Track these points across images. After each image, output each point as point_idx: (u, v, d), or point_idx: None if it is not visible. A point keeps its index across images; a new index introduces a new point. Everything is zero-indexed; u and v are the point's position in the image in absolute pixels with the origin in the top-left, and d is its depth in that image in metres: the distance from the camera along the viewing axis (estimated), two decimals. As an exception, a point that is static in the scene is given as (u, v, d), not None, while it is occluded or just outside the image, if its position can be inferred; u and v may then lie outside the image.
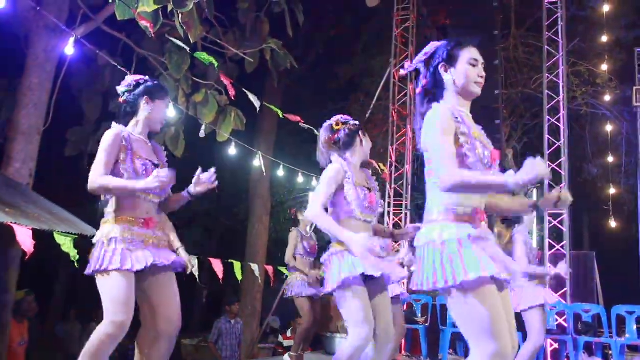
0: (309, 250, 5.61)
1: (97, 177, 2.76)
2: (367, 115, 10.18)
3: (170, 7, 5.53)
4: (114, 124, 2.95)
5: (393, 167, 9.26)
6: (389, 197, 9.09)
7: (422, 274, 2.19)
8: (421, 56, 2.43)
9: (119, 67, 6.01)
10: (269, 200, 11.66)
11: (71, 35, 5.30)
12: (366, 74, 12.11)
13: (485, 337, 2.07)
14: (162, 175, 2.67)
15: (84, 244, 4.64)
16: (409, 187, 9.14)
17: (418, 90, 2.42)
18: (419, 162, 12.40)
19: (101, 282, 2.75)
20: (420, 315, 7.24)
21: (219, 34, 7.94)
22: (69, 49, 5.16)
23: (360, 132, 3.29)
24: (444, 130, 2.21)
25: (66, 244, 5.15)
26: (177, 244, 3.59)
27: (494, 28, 8.75)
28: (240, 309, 9.53)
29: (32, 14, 6.46)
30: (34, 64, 6.48)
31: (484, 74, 2.37)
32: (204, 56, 5.83)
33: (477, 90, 2.36)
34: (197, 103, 7.52)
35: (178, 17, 5.69)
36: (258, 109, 6.45)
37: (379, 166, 9.11)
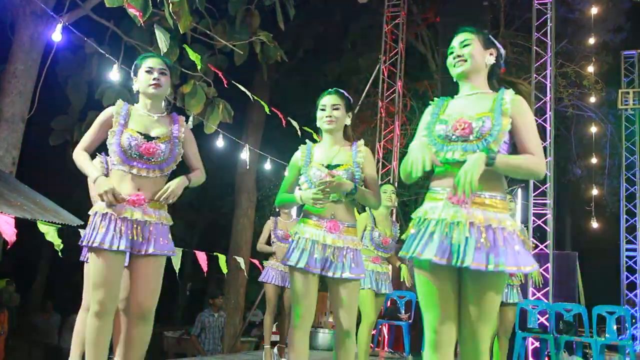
0: (281, 237, 5.65)
1: (77, 150, 2.86)
2: (354, 112, 10.16)
3: (160, -3, 5.48)
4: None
5: (380, 164, 9.27)
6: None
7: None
8: None
9: (107, 55, 5.93)
10: (254, 193, 11.62)
11: (58, 22, 5.21)
12: (354, 70, 12.10)
13: None
14: (103, 186, 2.69)
15: (69, 234, 4.59)
16: (396, 183, 9.14)
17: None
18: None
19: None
20: (404, 312, 7.26)
21: (209, 25, 7.88)
22: (57, 36, 5.08)
23: None
24: None
25: (50, 233, 5.07)
26: None
27: (483, 27, 8.72)
28: (223, 302, 9.50)
29: (20, 0, 6.37)
30: (20, 51, 6.40)
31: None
32: (190, 52, 5.79)
33: None
34: (185, 94, 7.47)
35: (168, 7, 5.64)
36: (252, 100, 6.45)
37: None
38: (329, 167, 3.01)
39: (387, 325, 7.75)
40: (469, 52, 2.37)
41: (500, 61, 2.45)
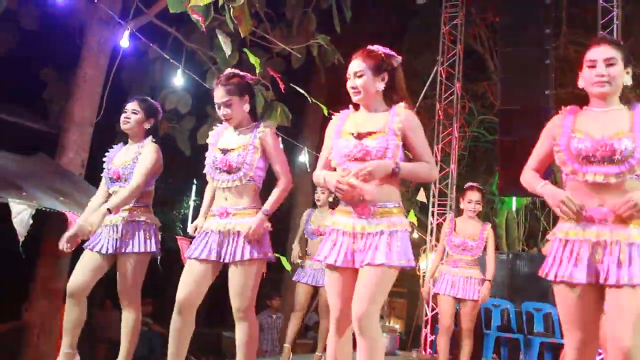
0: (311, 232, 5.34)
1: None
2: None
3: (221, 1, 5.56)
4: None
5: (438, 167, 9.14)
6: (433, 196, 8.98)
7: None
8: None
9: (170, 60, 6.08)
10: (311, 194, 11.65)
11: (125, 28, 5.38)
12: (411, 72, 11.98)
13: None
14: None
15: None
16: (454, 187, 9.00)
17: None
18: (464, 161, 12.26)
19: None
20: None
21: (267, 29, 7.97)
22: (124, 42, 5.24)
23: None
24: None
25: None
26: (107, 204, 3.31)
27: (545, 26, 8.52)
28: (281, 303, 9.56)
29: (87, 7, 6.60)
30: (88, 56, 6.62)
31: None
32: (251, 55, 5.87)
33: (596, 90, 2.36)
34: (244, 98, 7.55)
35: (229, 11, 5.72)
36: (310, 102, 6.48)
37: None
38: (359, 136, 2.57)
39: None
40: (615, 74, 2.30)
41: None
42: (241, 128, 3.07)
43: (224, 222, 2.96)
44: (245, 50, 6.53)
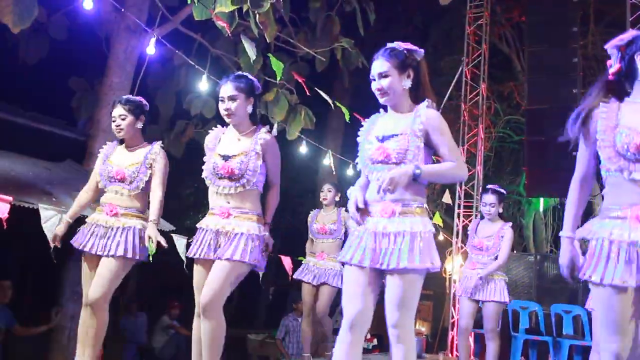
0: (316, 231, 5.21)
1: None
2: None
3: (246, 8, 5.61)
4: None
5: (464, 168, 9.06)
6: (459, 198, 8.91)
7: None
8: (616, 41, 2.30)
9: (195, 66, 6.16)
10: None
11: (151, 36, 5.45)
12: (436, 73, 11.92)
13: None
14: None
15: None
16: (480, 188, 8.92)
17: (610, 77, 2.31)
18: (490, 162, 12.14)
19: None
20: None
21: (291, 33, 8.01)
22: (151, 49, 5.31)
23: None
24: None
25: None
26: (151, 216, 3.34)
27: (572, 25, 8.41)
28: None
29: (114, 16, 6.71)
30: (115, 64, 6.74)
31: None
32: (273, 60, 5.91)
33: None
34: (269, 102, 7.62)
35: (254, 17, 5.77)
36: (333, 107, 6.48)
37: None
38: (383, 139, 2.49)
39: (472, 333, 7.56)
40: None
41: None
42: (241, 131, 3.08)
43: (223, 222, 2.97)
44: (269, 55, 6.58)
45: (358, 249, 2.47)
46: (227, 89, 3.04)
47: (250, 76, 3.15)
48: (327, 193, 5.20)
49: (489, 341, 4.89)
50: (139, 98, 3.56)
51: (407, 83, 2.53)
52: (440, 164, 2.48)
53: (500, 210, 5.02)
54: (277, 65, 5.86)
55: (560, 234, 2.30)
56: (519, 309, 7.08)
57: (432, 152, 2.52)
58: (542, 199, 11.93)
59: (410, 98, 2.57)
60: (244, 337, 9.42)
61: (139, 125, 3.45)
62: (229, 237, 2.94)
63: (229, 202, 3.00)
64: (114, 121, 3.43)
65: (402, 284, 2.37)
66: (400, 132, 2.48)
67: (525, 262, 8.02)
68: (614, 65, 2.30)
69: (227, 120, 3.07)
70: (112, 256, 3.24)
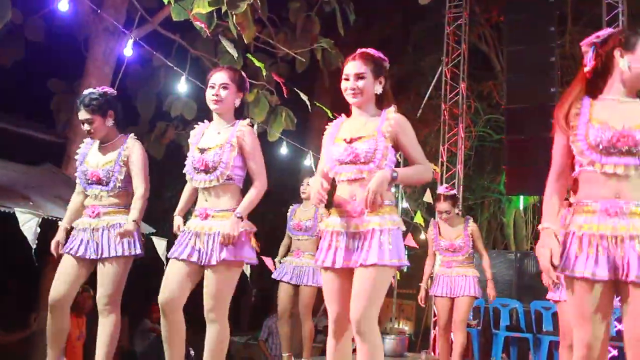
0: (292, 228, 5.08)
1: None
2: (417, 114, 10.08)
3: (224, 8, 5.59)
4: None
5: (444, 167, 9.12)
6: (440, 197, 8.95)
7: None
8: (592, 38, 2.35)
9: (174, 67, 6.12)
10: (317, 199, 11.65)
11: (129, 37, 5.42)
12: (416, 73, 11.98)
13: None
14: None
15: (146, 243, 4.74)
16: (461, 187, 8.98)
17: (587, 74, 2.34)
18: (470, 161, 12.23)
19: None
20: (472, 318, 7.11)
21: (271, 34, 8.00)
22: (128, 51, 5.28)
23: None
24: None
25: (123, 242, 5.29)
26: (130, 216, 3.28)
27: (550, 24, 8.50)
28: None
29: (92, 17, 6.65)
30: (93, 66, 6.68)
31: None
32: (254, 59, 5.91)
33: None
34: (249, 103, 7.60)
35: (232, 18, 5.75)
36: (310, 109, 6.48)
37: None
38: (351, 141, 2.58)
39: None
40: None
41: None
42: (222, 124, 3.04)
43: (202, 223, 2.94)
44: (249, 55, 6.57)
45: (329, 251, 2.55)
46: (221, 76, 2.99)
47: (240, 71, 3.13)
48: (307, 187, 5.07)
49: (458, 332, 4.87)
50: (101, 90, 3.37)
51: (379, 89, 2.65)
52: (411, 167, 2.59)
53: (457, 211, 5.05)
54: (260, 63, 5.85)
55: (539, 226, 2.32)
56: (500, 306, 7.15)
57: (396, 153, 2.63)
58: (522, 197, 12.06)
59: (376, 104, 2.68)
60: (230, 340, 9.40)
61: (110, 122, 3.31)
62: (208, 240, 2.90)
63: (206, 200, 2.97)
64: (82, 124, 3.30)
65: (370, 279, 2.42)
66: (368, 133, 2.58)
67: (506, 260, 8.09)
68: (589, 63, 2.35)
69: (212, 106, 3.00)
70: (107, 258, 3.20)
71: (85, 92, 3.37)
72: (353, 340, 2.52)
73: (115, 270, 3.21)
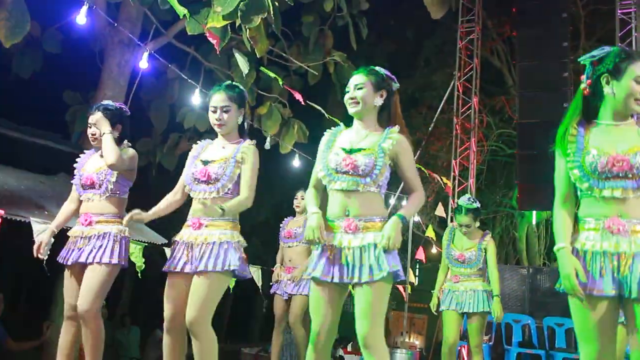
0: (283, 236, 5.04)
1: None
2: (429, 129, 10.09)
3: (238, 22, 5.64)
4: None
5: (456, 181, 9.11)
6: (452, 211, 8.93)
7: None
8: (588, 56, 2.37)
9: (188, 80, 6.19)
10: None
11: (144, 50, 5.49)
12: (428, 87, 12.01)
13: None
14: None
15: (153, 252, 4.76)
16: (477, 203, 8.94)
17: (585, 93, 2.37)
18: (483, 175, 12.20)
19: None
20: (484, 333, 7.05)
21: (284, 47, 8.07)
22: (143, 63, 5.34)
23: None
24: None
25: (135, 253, 5.33)
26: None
27: (563, 40, 8.50)
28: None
29: (108, 30, 6.75)
30: (108, 78, 6.76)
31: None
32: (269, 71, 5.96)
33: (637, 108, 2.27)
34: (262, 115, 7.66)
35: (245, 32, 5.81)
36: (327, 119, 6.52)
37: (442, 180, 8.98)
38: (351, 151, 2.58)
39: (466, 347, 7.54)
40: None
41: None
42: (227, 141, 3.05)
43: (195, 233, 2.92)
44: (263, 68, 6.62)
45: (319, 263, 2.56)
46: (220, 98, 3.01)
47: (241, 86, 3.15)
48: (300, 200, 5.11)
49: (476, 355, 4.57)
50: (118, 105, 3.47)
51: (379, 101, 2.66)
52: (412, 202, 2.64)
53: (477, 224, 4.66)
54: (275, 75, 5.89)
55: (555, 248, 2.31)
56: (512, 322, 7.09)
57: (391, 170, 2.65)
58: (534, 212, 11.98)
59: (378, 120, 2.70)
60: (238, 351, 9.38)
61: (115, 134, 3.34)
62: (200, 249, 2.89)
63: (201, 211, 2.95)
64: (89, 127, 3.36)
65: (370, 295, 2.45)
66: (368, 147, 2.59)
67: (519, 275, 8.03)
68: (585, 81, 2.37)
69: (217, 130, 3.04)
70: (93, 263, 3.18)
71: (104, 102, 3.48)
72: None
73: (101, 277, 3.19)
